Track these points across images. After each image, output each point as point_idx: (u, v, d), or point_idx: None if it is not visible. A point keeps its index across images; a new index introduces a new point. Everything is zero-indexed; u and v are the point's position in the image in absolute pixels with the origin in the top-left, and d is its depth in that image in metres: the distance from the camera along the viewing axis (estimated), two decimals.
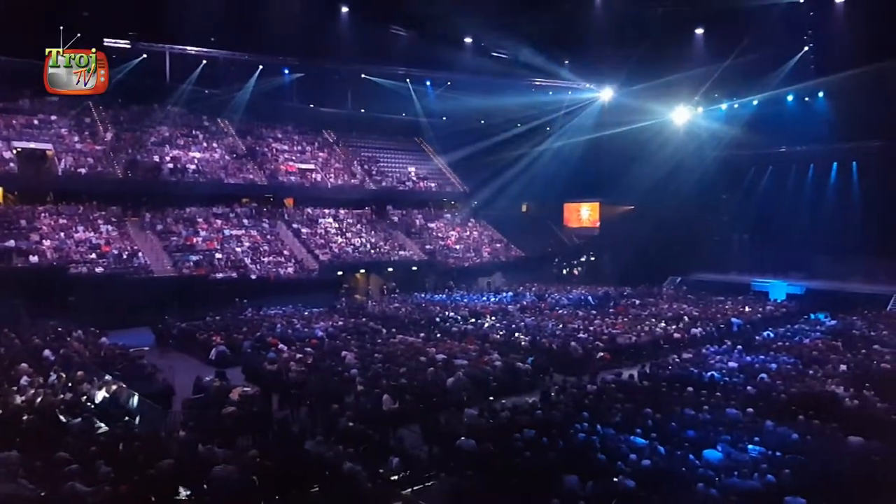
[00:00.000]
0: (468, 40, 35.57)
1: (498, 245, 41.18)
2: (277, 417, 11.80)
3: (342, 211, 38.12)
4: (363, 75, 37.43)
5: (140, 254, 28.09)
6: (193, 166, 34.04)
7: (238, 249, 31.06)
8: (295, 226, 34.74)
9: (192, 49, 33.54)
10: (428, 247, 37.55)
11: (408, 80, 38.95)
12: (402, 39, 35.11)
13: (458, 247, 39.24)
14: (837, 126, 32.10)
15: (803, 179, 36.69)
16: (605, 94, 38.79)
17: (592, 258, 43.78)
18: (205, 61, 34.05)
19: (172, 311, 22.94)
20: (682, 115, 39.38)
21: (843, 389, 13.83)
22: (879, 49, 25.43)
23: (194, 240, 30.67)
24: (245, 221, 33.97)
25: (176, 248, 29.49)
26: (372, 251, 34.93)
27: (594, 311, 26.62)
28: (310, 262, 31.82)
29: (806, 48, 30.82)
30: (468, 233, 41.68)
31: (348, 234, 35.95)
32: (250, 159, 36.93)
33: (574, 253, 43.95)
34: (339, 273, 32.23)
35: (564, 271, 41.53)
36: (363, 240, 35.77)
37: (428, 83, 40.27)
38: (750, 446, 10.27)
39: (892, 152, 29.41)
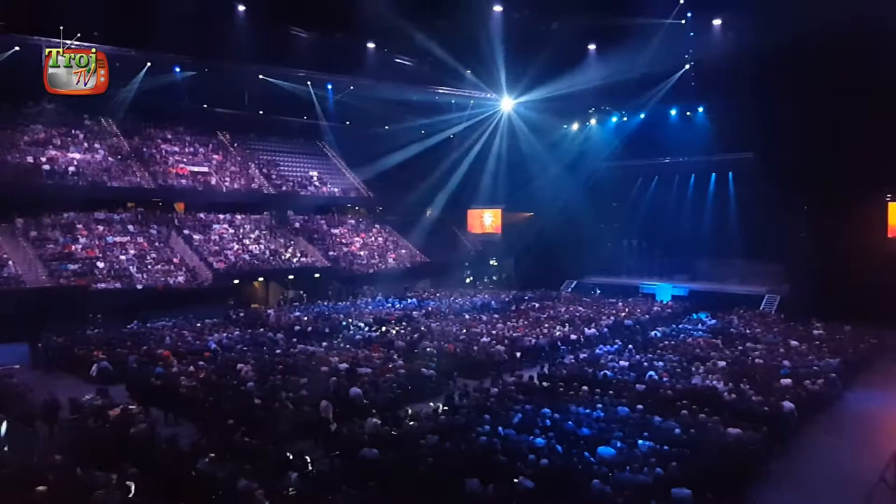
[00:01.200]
0: (371, 45, 35.35)
1: (403, 251, 41.14)
2: (166, 436, 11.10)
3: (238, 216, 36.64)
4: (261, 76, 36.26)
5: (11, 263, 25.78)
6: (73, 168, 31.64)
7: (122, 257, 29.15)
8: (186, 232, 33.01)
9: (72, 43, 31.09)
10: (331, 253, 36.89)
11: (308, 82, 38.15)
12: (302, 41, 34.33)
13: (362, 253, 38.83)
14: (716, 139, 34.57)
15: (685, 188, 39.18)
16: (506, 103, 39.77)
17: (495, 264, 44.71)
18: None
19: (50, 325, 21.12)
20: (577, 126, 41.19)
21: (722, 384, 14.85)
22: (752, 67, 27.63)
23: (73, 247, 28.48)
24: (130, 227, 31.94)
25: (52, 257, 27.24)
26: (271, 258, 33.83)
27: (496, 315, 27.16)
28: (203, 270, 30.35)
29: (687, 66, 32.99)
30: (373, 238, 41.37)
31: (245, 241, 34.62)
32: (137, 161, 34.80)
33: (479, 259, 44.68)
34: (236, 282, 30.96)
35: (479, 284, 42.01)
36: (262, 246, 34.58)
37: (329, 87, 39.64)
38: (640, 441, 10.79)
39: (764, 163, 31.97)
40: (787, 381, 15.23)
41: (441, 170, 41.18)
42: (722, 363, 17.32)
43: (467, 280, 42.11)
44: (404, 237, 42.36)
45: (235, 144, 41.27)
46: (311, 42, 34.17)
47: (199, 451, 9.88)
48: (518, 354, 19.75)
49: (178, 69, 34.41)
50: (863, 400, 16.27)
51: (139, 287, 27.36)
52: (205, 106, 39.20)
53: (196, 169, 36.92)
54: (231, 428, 11.09)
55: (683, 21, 30.18)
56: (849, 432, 13.68)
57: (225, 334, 21.94)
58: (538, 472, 9.33)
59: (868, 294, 25.54)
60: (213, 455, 9.45)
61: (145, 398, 14.07)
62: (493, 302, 31.79)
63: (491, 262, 44.55)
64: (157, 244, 31.60)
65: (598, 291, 35.59)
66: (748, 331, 23.01)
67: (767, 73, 27.72)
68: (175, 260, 30.77)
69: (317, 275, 34.23)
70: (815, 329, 23.02)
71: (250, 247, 34.09)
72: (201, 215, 35.28)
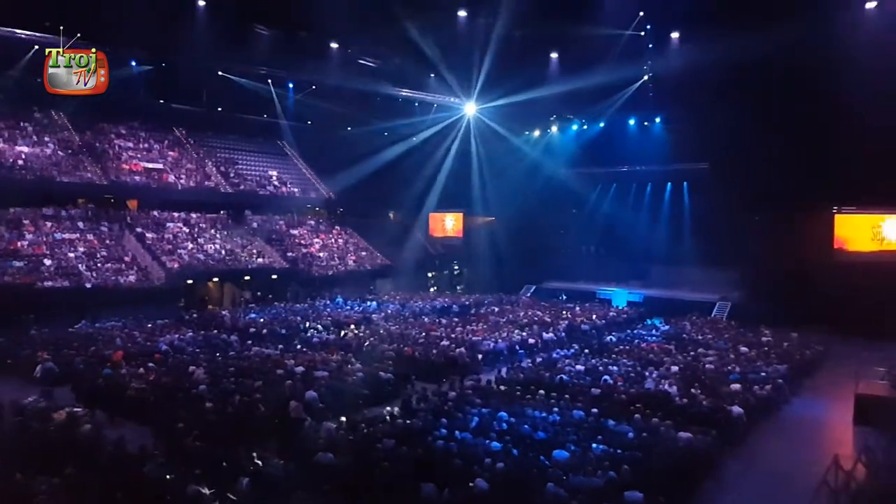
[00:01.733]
0: (334, 45, 35.07)
1: (363, 253, 40.83)
2: (112, 439, 10.75)
3: (194, 215, 35.81)
4: (220, 72, 35.57)
5: None
6: (21, 161, 30.51)
7: (71, 255, 28.22)
8: (139, 230, 32.12)
9: (22, 32, 30.03)
10: (290, 254, 36.38)
11: (269, 80, 37.62)
12: (264, 38, 33.85)
13: (322, 254, 38.39)
14: (672, 149, 35.40)
15: (642, 197, 40.00)
16: (469, 108, 39.97)
17: (456, 267, 44.86)
18: (37, 47, 30.58)
19: None
20: (538, 133, 41.70)
21: (674, 389, 15.15)
22: (708, 80, 28.36)
23: (19, 244, 27.46)
24: (80, 224, 30.95)
25: None
26: (227, 258, 33.19)
27: (456, 319, 27.19)
28: (155, 269, 29.58)
29: (645, 77, 33.70)
30: (333, 240, 40.96)
31: (200, 240, 33.87)
32: (88, 156, 33.74)
33: (441, 263, 44.71)
34: (189, 282, 30.26)
35: (442, 288, 41.91)
36: (217, 246, 33.87)
37: (290, 86, 39.17)
38: (594, 445, 10.92)
39: (718, 174, 32.87)
40: (737, 386, 15.59)
41: (403, 173, 41.09)
42: (674, 368, 17.65)
43: (431, 290, 41.98)
44: (365, 239, 42.07)
45: (192, 141, 40.38)
46: (274, 40, 33.71)
47: (147, 455, 9.60)
48: (480, 357, 19.84)
49: (134, 63, 33.54)
50: (808, 405, 16.78)
51: (88, 286, 26.51)
52: (161, 101, 38.28)
53: (150, 165, 35.98)
54: (181, 431, 10.82)
55: (643, 33, 30.82)
56: (795, 436, 14.13)
57: (177, 336, 21.43)
58: (494, 476, 9.36)
59: (814, 302, 26.49)
60: (161, 459, 9.20)
61: (92, 400, 13.62)
62: (453, 305, 31.83)
63: (454, 268, 44.64)
64: (108, 242, 30.68)
65: (564, 297, 35.73)
66: (700, 337, 23.46)
67: (722, 86, 28.45)
68: (126, 258, 29.92)
69: (274, 276, 33.72)
70: (764, 336, 23.59)
71: (205, 246, 33.37)
72: (155, 213, 34.38)
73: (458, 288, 42.79)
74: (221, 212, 37.34)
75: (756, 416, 14.36)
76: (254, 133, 43.56)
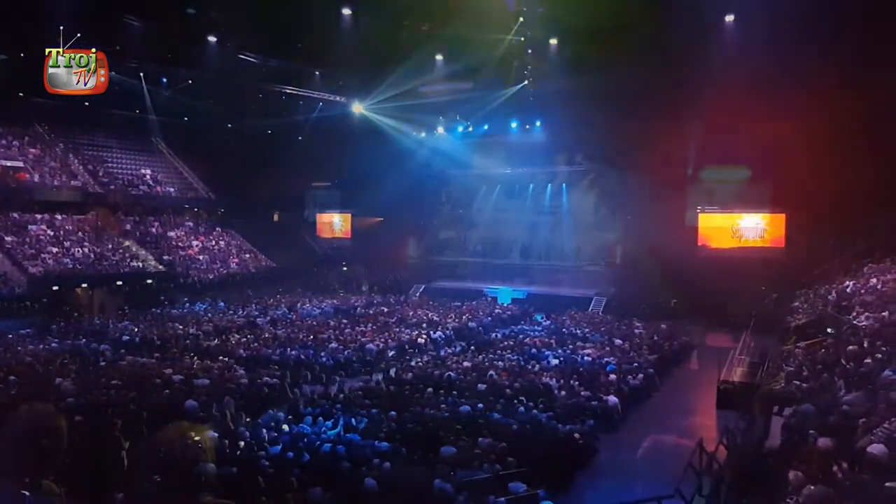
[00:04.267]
0: (212, 39, 33.54)
1: (247, 255, 39.45)
2: None
3: (59, 216, 33.11)
4: None
5: None
6: None
7: None
8: None
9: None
10: (166, 257, 34.46)
11: (142, 74, 35.38)
12: (135, 29, 31.75)
13: (201, 257, 36.68)
14: (551, 151, 37.03)
15: (525, 197, 41.53)
16: (356, 108, 39.65)
17: (345, 268, 44.37)
18: None
19: None
20: (425, 134, 42.12)
21: (555, 381, 15.93)
22: (582, 86, 29.86)
23: None
24: None
25: None
26: (97, 263, 30.93)
27: (345, 320, 26.95)
28: (16, 275, 27.16)
29: (526, 82, 34.97)
30: (213, 242, 39.23)
31: (67, 243, 31.36)
32: None
33: (330, 264, 44.03)
34: (55, 288, 27.96)
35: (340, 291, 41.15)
36: (86, 250, 31.49)
37: (164, 80, 37.06)
38: (480, 438, 11.27)
39: (592, 176, 34.83)
40: (612, 376, 16.54)
41: (288, 173, 40.08)
42: (555, 361, 18.54)
43: (341, 293, 41.15)
44: (249, 241, 40.64)
45: (56, 138, 37.24)
46: (146, 31, 31.71)
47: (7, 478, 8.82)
48: (369, 358, 19.81)
49: None
50: (676, 392, 18.04)
51: None
52: (20, 94, 34.95)
53: (9, 164, 32.90)
54: (45, 450, 10.02)
55: (523, 38, 31.93)
56: (664, 422, 15.14)
57: (41, 346, 19.78)
58: (382, 475, 9.45)
59: (682, 296, 28.70)
60: (24, 479, 8.49)
61: None
62: (342, 307, 31.50)
63: (343, 268, 44.15)
64: None
65: (487, 298, 35.26)
66: (578, 331, 24.52)
67: (595, 92, 29.82)
68: None
69: (149, 280, 31.84)
70: (637, 328, 25.05)
71: (72, 250, 30.95)
72: (15, 215, 31.49)
73: (365, 289, 42.26)
74: (90, 213, 34.73)
75: (630, 405, 15.39)
76: (125, 129, 40.74)
